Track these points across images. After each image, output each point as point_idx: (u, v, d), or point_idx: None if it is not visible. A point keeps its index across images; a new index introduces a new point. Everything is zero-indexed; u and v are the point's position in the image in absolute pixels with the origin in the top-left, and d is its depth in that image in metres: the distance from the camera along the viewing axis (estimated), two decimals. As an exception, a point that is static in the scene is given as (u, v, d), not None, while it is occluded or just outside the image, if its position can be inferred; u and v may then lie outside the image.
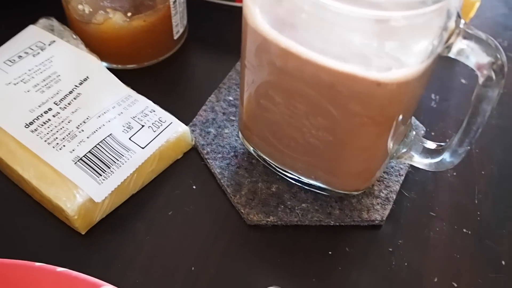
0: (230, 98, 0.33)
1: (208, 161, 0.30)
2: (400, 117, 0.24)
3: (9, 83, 0.30)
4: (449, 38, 0.22)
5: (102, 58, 0.33)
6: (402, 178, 0.30)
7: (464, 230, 0.29)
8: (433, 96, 0.35)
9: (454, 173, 0.32)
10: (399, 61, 0.21)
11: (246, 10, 0.23)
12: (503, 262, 0.28)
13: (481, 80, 0.22)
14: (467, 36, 0.22)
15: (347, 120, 0.23)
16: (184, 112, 0.32)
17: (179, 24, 0.35)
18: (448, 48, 0.22)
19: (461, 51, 0.22)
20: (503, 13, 0.42)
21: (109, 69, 0.33)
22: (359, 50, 0.21)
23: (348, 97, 0.22)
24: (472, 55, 0.22)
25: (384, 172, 0.30)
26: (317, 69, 0.22)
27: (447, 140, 0.26)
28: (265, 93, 0.25)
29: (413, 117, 0.33)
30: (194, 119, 0.32)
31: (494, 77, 0.22)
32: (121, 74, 0.32)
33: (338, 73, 0.21)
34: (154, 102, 0.31)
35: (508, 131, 0.34)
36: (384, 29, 0.21)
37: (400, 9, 0.20)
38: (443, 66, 0.21)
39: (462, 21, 0.22)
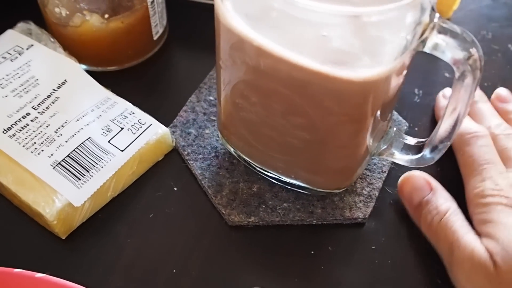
0: (211, 98, 0.33)
1: (189, 162, 0.30)
2: (378, 113, 0.24)
3: (-14, 89, 0.30)
4: (423, 32, 0.22)
5: (82, 60, 0.33)
6: (385, 174, 0.30)
7: (449, 226, 0.29)
8: (416, 91, 0.35)
9: (438, 168, 0.31)
10: (372, 58, 0.21)
11: (218, 8, 0.23)
12: (488, 257, 0.28)
13: (457, 74, 0.22)
14: (442, 31, 0.22)
15: (323, 119, 0.23)
16: (165, 113, 0.32)
17: (158, 25, 0.35)
18: (423, 43, 0.22)
19: (436, 45, 0.22)
20: (487, 4, 0.41)
21: (90, 71, 0.32)
22: (332, 48, 0.21)
23: (323, 96, 0.22)
24: (448, 50, 0.22)
25: (366, 169, 0.30)
26: (291, 67, 0.21)
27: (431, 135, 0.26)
28: (241, 93, 0.25)
29: (396, 113, 0.33)
30: (175, 120, 0.32)
31: (470, 71, 0.22)
32: (102, 76, 0.32)
33: (312, 71, 0.21)
34: (136, 104, 0.31)
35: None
36: (356, 25, 0.21)
37: (372, 5, 0.20)
38: (426, 60, 0.21)
39: (437, 15, 0.22)
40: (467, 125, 0.29)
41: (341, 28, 0.21)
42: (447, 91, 0.33)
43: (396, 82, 0.23)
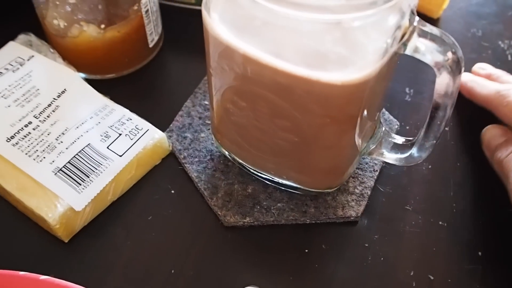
0: (206, 102, 0.34)
1: (185, 165, 0.31)
2: (364, 114, 0.25)
3: (-10, 99, 0.31)
4: (403, 36, 0.22)
5: (80, 69, 0.34)
6: (377, 173, 0.31)
7: (440, 223, 0.30)
8: (407, 90, 0.36)
9: (430, 166, 0.32)
10: (353, 62, 0.22)
11: (205, 17, 0.24)
12: (480, 253, 0.29)
13: (438, 75, 0.23)
14: (422, 34, 0.22)
15: (308, 121, 0.24)
16: (161, 118, 0.33)
17: (153, 33, 0.36)
18: (404, 46, 0.23)
19: (417, 48, 0.23)
20: (476, 2, 0.42)
21: (88, 79, 0.33)
22: (313, 53, 0.22)
23: (307, 99, 0.23)
24: (428, 52, 0.22)
25: (358, 168, 0.31)
26: (275, 73, 0.22)
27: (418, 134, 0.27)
28: (230, 98, 0.25)
29: (387, 112, 0.34)
30: (171, 125, 0.33)
31: (450, 72, 0.22)
32: (100, 84, 0.33)
33: (295, 76, 0.22)
34: (132, 110, 0.32)
35: (483, 122, 0.34)
36: (336, 31, 0.21)
37: (350, 12, 0.20)
38: (416, 60, 0.22)
39: (417, 18, 0.22)
40: (496, 86, 0.32)
41: (322, 33, 0.22)
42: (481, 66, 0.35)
43: (379, 84, 0.24)
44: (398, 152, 0.28)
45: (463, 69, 0.23)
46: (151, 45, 0.36)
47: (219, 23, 0.23)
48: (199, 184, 0.30)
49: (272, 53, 0.22)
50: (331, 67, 0.22)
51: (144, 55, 0.36)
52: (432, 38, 0.22)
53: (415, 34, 0.22)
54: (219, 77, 0.25)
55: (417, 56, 0.23)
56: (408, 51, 0.23)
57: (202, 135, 0.32)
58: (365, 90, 0.23)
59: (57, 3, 0.32)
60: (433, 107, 0.24)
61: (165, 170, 0.31)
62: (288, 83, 0.22)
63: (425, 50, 0.22)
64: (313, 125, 0.24)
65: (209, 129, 0.32)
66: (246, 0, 0.21)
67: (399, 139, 0.28)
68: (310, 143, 0.25)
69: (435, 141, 0.26)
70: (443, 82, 0.23)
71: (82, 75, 0.35)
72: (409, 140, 0.27)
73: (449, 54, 0.22)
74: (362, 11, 0.21)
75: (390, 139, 0.28)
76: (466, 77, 0.35)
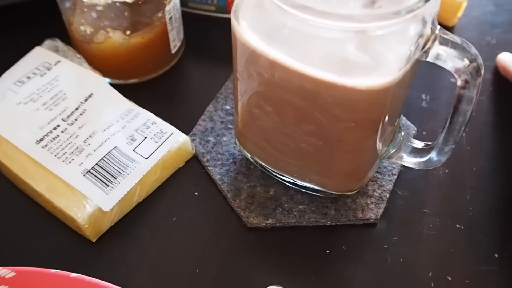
0: (227, 107, 0.35)
1: (209, 168, 0.32)
2: (386, 119, 0.26)
3: (20, 103, 0.32)
4: (425, 44, 0.23)
5: (104, 74, 0.35)
6: (395, 177, 0.32)
7: (457, 225, 0.30)
8: (423, 96, 0.37)
9: (446, 170, 0.33)
10: (377, 68, 0.23)
11: (234, 25, 0.25)
12: (496, 255, 0.29)
13: (459, 82, 0.24)
14: (443, 41, 0.23)
15: (334, 125, 0.25)
16: (184, 122, 0.34)
17: (176, 39, 0.37)
18: (426, 53, 0.23)
19: (438, 56, 0.23)
20: (490, 10, 0.43)
21: (111, 84, 0.35)
22: (339, 60, 0.23)
23: (332, 104, 0.24)
24: (449, 59, 0.23)
25: (377, 172, 0.32)
26: (302, 78, 0.23)
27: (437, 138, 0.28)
28: (257, 103, 0.26)
29: (404, 118, 0.35)
30: (194, 129, 0.34)
31: (471, 79, 0.23)
32: (123, 89, 0.34)
33: (322, 82, 0.23)
34: (155, 114, 0.33)
35: (498, 127, 0.35)
36: (362, 39, 0.22)
37: (375, 21, 0.21)
38: (432, 67, 0.23)
39: (438, 26, 0.23)
40: None
41: (349, 41, 0.22)
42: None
43: (401, 90, 0.25)
44: (417, 156, 0.29)
45: (482, 75, 0.24)
46: (173, 51, 0.37)
47: (248, 30, 0.24)
48: (222, 187, 0.31)
49: (299, 60, 0.23)
50: (356, 73, 0.23)
51: (166, 61, 0.37)
52: (453, 45, 0.23)
53: (436, 42, 0.23)
54: (246, 82, 0.26)
55: (438, 62, 0.24)
56: (430, 58, 0.24)
57: (224, 139, 0.33)
58: (388, 95, 0.24)
59: (85, 9, 0.33)
60: (452, 112, 0.25)
61: (189, 173, 0.32)
62: (314, 88, 0.23)
63: (446, 57, 0.23)
64: (337, 129, 0.25)
65: (231, 133, 0.33)
66: (276, 9, 0.22)
67: (419, 144, 0.29)
68: (333, 146, 0.26)
69: (454, 146, 0.27)
70: (463, 87, 0.24)
71: (106, 79, 0.36)
72: (428, 145, 0.28)
73: (470, 61, 0.23)
74: (386, 20, 0.21)
75: (409, 143, 0.29)
76: (505, 57, 0.37)
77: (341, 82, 0.22)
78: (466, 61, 0.23)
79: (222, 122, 0.34)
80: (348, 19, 0.21)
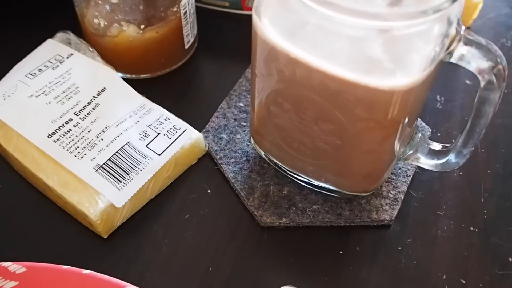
0: (241, 104, 0.34)
1: (222, 166, 0.32)
2: (406, 120, 0.25)
3: (31, 96, 0.32)
4: (450, 44, 0.23)
5: (117, 68, 0.35)
6: (410, 178, 0.31)
7: (471, 228, 0.30)
8: (438, 97, 0.36)
9: (461, 173, 0.32)
10: (402, 68, 0.22)
11: (255, 21, 0.24)
12: (510, 259, 0.29)
13: (482, 83, 0.23)
14: (468, 42, 0.23)
15: (354, 125, 0.24)
16: (196, 119, 0.33)
17: (189, 34, 0.36)
18: (450, 54, 0.23)
19: (462, 56, 0.23)
20: (505, 13, 0.42)
21: (124, 79, 0.34)
22: (363, 58, 0.22)
23: (354, 103, 0.23)
24: (473, 60, 0.23)
25: (392, 173, 0.31)
26: (324, 77, 0.23)
27: (453, 140, 0.27)
28: (275, 100, 0.26)
29: (419, 119, 0.34)
30: (207, 126, 0.33)
31: (495, 80, 0.23)
32: (135, 84, 0.34)
33: (344, 80, 0.22)
34: (168, 110, 0.33)
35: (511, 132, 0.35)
36: (387, 38, 0.22)
37: (402, 20, 0.21)
38: (447, 68, 0.22)
39: (463, 27, 0.23)
40: None
41: (373, 40, 0.22)
42: None
43: (424, 91, 0.25)
44: (435, 158, 0.28)
45: (506, 77, 0.23)
46: (187, 47, 0.37)
47: (269, 27, 0.24)
48: (235, 185, 0.31)
49: (322, 58, 0.22)
50: (379, 73, 0.22)
51: (179, 56, 0.37)
52: (478, 46, 0.23)
53: (461, 43, 0.23)
54: (265, 79, 0.26)
55: (462, 63, 0.23)
56: (454, 59, 0.23)
57: (238, 136, 0.33)
58: (411, 96, 0.23)
59: (99, 2, 0.32)
60: (474, 115, 0.25)
61: (202, 170, 0.32)
62: (336, 87, 0.23)
63: (470, 58, 0.23)
64: (357, 129, 0.24)
65: (244, 131, 0.33)
66: (300, 6, 0.22)
67: (436, 146, 0.28)
68: (352, 147, 0.26)
69: (473, 148, 0.26)
70: (486, 89, 0.23)
71: (119, 74, 0.35)
72: (446, 147, 0.28)
73: (494, 62, 0.23)
74: (412, 19, 0.21)
75: (426, 145, 0.29)
76: None
77: (364, 82, 0.22)
78: (490, 63, 0.23)
79: (235, 120, 0.34)
80: (374, 17, 0.21)
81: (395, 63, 0.22)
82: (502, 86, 0.23)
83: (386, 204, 0.30)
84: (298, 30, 0.23)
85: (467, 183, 0.32)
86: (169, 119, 0.32)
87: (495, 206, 0.31)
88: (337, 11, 0.21)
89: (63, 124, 0.31)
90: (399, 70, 0.22)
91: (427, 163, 0.29)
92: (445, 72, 0.37)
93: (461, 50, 0.23)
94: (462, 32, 0.23)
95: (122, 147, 0.30)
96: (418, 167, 0.32)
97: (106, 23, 0.33)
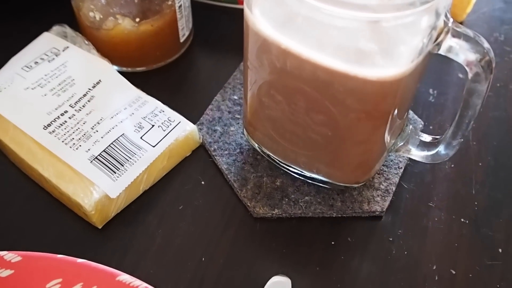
0: (235, 97, 0.35)
1: (216, 157, 0.32)
2: (396, 111, 0.26)
3: (27, 88, 0.32)
4: (438, 36, 0.23)
5: (113, 61, 0.35)
6: (401, 170, 0.32)
7: (462, 220, 0.31)
8: (431, 90, 0.37)
9: (452, 165, 0.33)
10: (391, 59, 0.23)
11: (247, 13, 0.25)
12: (500, 250, 0.29)
13: (470, 75, 0.24)
14: (456, 34, 0.23)
15: (344, 116, 0.25)
16: (191, 111, 0.34)
17: (184, 28, 0.37)
18: (438, 46, 0.23)
19: (450, 48, 0.23)
20: (499, 7, 0.43)
21: (119, 72, 0.34)
22: (353, 49, 0.23)
23: (344, 94, 0.24)
24: (461, 52, 0.23)
25: (383, 165, 0.32)
26: (315, 68, 0.23)
27: (445, 132, 0.28)
28: (267, 92, 0.26)
29: (411, 112, 0.35)
30: (201, 118, 0.34)
31: (482, 72, 0.23)
32: (131, 77, 0.34)
33: (335, 71, 0.23)
34: (163, 102, 0.33)
35: (504, 123, 0.35)
36: (375, 29, 0.22)
37: (390, 11, 0.21)
38: (440, 61, 0.23)
39: (451, 19, 0.23)
40: None
41: (362, 31, 0.22)
42: None
43: (413, 82, 0.25)
44: (425, 149, 0.29)
45: (493, 69, 0.24)
46: (182, 40, 0.37)
47: (260, 18, 0.24)
48: (229, 176, 0.31)
49: (312, 49, 0.23)
50: (368, 64, 0.23)
51: (174, 49, 0.37)
52: (466, 38, 0.23)
53: (449, 35, 0.23)
54: (257, 71, 0.26)
55: (450, 55, 0.24)
56: (442, 51, 0.24)
57: (232, 128, 0.33)
58: (400, 87, 0.24)
59: (95, -4, 0.33)
60: (463, 106, 0.25)
61: (196, 162, 0.32)
62: (327, 77, 0.23)
63: (458, 50, 0.23)
64: (347, 119, 0.25)
65: (238, 123, 0.33)
66: (290, -2, 0.22)
67: (427, 137, 0.29)
68: (343, 137, 0.26)
69: (462, 140, 0.27)
70: (474, 81, 0.24)
71: (115, 67, 0.36)
72: (436, 138, 0.28)
73: (481, 54, 0.23)
74: (401, 11, 0.21)
75: (417, 136, 0.29)
76: None
77: (353, 72, 0.23)
78: (478, 55, 0.23)
79: (229, 112, 0.34)
80: (363, 8, 0.21)
81: (383, 54, 0.23)
82: (490, 78, 0.24)
83: (378, 195, 0.30)
84: (288, 22, 0.23)
85: (459, 175, 0.32)
86: (163, 111, 0.32)
87: (486, 197, 0.32)
88: (327, 2, 0.21)
89: (58, 116, 0.31)
90: (388, 61, 0.23)
91: (417, 154, 0.29)
92: (438, 66, 0.37)
93: (449, 42, 0.23)
94: (450, 24, 0.23)
95: (116, 139, 0.30)
96: (410, 159, 0.32)
97: (101, 16, 0.33)
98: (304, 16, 0.23)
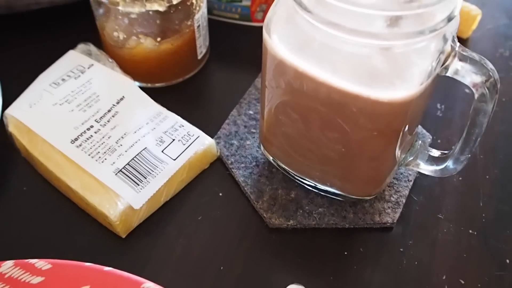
0: (251, 112, 0.36)
1: (232, 170, 0.33)
2: (405, 129, 0.27)
3: (55, 104, 0.34)
4: (446, 60, 0.25)
5: (134, 78, 0.37)
6: (411, 183, 0.33)
7: (470, 231, 0.32)
8: (438, 105, 0.38)
9: (460, 178, 0.34)
10: (401, 82, 0.24)
11: (265, 38, 0.26)
12: (507, 261, 0.30)
13: (476, 96, 0.25)
14: (462, 58, 0.24)
15: (357, 134, 0.26)
16: (208, 125, 0.35)
17: (202, 46, 0.38)
18: (446, 69, 0.25)
19: (457, 71, 0.25)
20: (504, 23, 0.44)
21: (140, 87, 0.36)
22: (365, 73, 0.24)
23: (357, 114, 0.25)
24: (467, 75, 0.25)
25: (394, 178, 0.33)
26: (330, 90, 0.25)
27: (453, 147, 0.29)
28: (284, 110, 0.28)
29: (420, 126, 0.36)
30: (218, 132, 0.35)
31: (488, 93, 0.25)
32: (151, 92, 0.36)
33: (348, 93, 0.24)
34: (182, 117, 0.34)
35: (510, 137, 0.36)
36: (387, 54, 0.24)
37: (400, 39, 0.23)
38: (447, 77, 0.24)
39: (458, 44, 0.25)
40: None
41: (374, 56, 0.24)
42: None
43: (422, 102, 0.26)
44: (434, 164, 0.30)
45: (498, 90, 0.25)
46: (199, 57, 0.39)
47: (278, 43, 0.25)
48: (245, 188, 0.32)
49: (327, 72, 0.24)
50: (380, 86, 0.24)
51: (192, 66, 0.39)
52: (472, 62, 0.25)
53: (456, 58, 0.25)
54: (274, 91, 0.28)
55: (457, 77, 0.25)
56: (449, 73, 0.25)
57: (248, 142, 0.35)
58: (410, 108, 0.25)
59: (119, 16, 0.34)
60: (470, 124, 0.26)
61: (213, 174, 0.34)
62: (341, 99, 0.25)
63: (464, 72, 0.25)
64: (360, 137, 0.26)
65: (254, 137, 0.35)
66: (306, 25, 0.24)
67: (435, 152, 0.30)
68: (356, 154, 0.27)
69: (469, 155, 0.28)
70: (480, 101, 0.25)
71: (136, 83, 0.37)
72: (445, 153, 0.30)
73: (487, 76, 0.24)
74: (411, 39, 0.23)
75: (426, 151, 0.30)
76: None
77: (366, 94, 0.24)
78: (484, 77, 0.24)
79: (245, 127, 0.35)
80: (375, 37, 0.22)
81: (394, 77, 0.24)
82: (495, 98, 0.25)
83: (389, 207, 0.32)
84: (305, 46, 0.25)
85: (467, 188, 0.34)
86: (183, 126, 0.34)
87: (493, 210, 0.33)
88: (341, 31, 0.22)
89: (85, 131, 0.33)
90: (399, 83, 0.24)
91: (426, 169, 0.30)
92: (445, 82, 0.38)
93: (456, 65, 0.25)
94: (457, 48, 0.25)
95: (139, 153, 0.32)
96: (419, 172, 0.33)
97: (125, 36, 0.35)
98: (320, 42, 0.24)
